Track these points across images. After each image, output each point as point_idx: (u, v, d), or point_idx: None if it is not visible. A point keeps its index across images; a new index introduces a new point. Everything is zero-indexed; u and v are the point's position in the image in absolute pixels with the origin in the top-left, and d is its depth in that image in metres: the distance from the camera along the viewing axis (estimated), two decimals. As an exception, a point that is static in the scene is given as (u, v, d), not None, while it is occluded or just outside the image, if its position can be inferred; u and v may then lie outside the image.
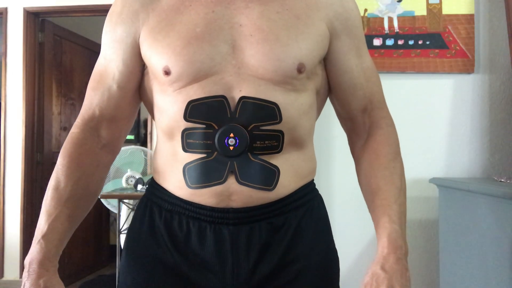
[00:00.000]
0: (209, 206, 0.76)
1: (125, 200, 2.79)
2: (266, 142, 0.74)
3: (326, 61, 0.83)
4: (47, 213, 0.75)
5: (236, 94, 0.74)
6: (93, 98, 0.83)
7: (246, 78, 0.74)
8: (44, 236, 0.73)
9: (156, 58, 0.76)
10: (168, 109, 0.77)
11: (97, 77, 0.83)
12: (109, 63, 0.82)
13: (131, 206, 2.84)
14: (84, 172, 0.80)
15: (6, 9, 3.15)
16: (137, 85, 0.84)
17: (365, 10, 2.22)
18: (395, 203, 0.75)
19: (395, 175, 0.78)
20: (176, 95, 0.76)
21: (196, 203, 0.77)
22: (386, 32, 2.21)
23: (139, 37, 0.79)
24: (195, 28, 0.75)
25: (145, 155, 3.05)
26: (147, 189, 0.87)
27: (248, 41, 0.74)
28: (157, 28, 0.77)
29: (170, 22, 0.77)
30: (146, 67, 0.82)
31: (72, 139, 0.81)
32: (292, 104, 0.76)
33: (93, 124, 0.83)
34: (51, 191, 0.77)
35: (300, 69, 0.75)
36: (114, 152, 0.87)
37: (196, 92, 0.74)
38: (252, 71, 0.74)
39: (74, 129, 0.82)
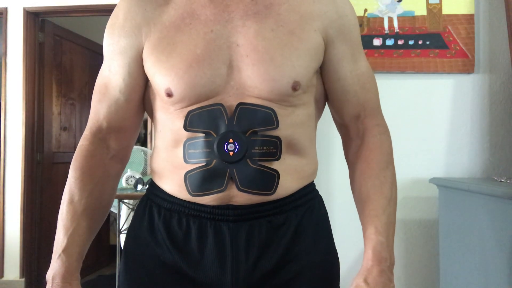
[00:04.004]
0: (210, 205, 0.77)
1: (125, 200, 2.79)
2: (264, 148, 0.75)
3: (321, 68, 0.83)
4: (65, 227, 0.76)
5: (233, 103, 0.75)
6: (100, 111, 0.83)
7: (244, 98, 0.75)
8: (65, 250, 0.75)
9: (159, 78, 0.77)
10: (170, 125, 0.78)
11: (103, 90, 0.83)
12: (115, 76, 0.82)
13: (131, 206, 2.84)
14: (96, 184, 0.81)
15: (6, 9, 3.15)
16: (142, 95, 0.84)
17: (365, 10, 2.23)
18: (383, 214, 0.76)
19: (385, 185, 0.79)
20: (178, 114, 0.77)
21: (197, 203, 0.77)
22: (386, 32, 2.21)
23: (142, 50, 0.80)
24: (195, 49, 0.76)
25: (145, 155, 3.05)
26: (147, 189, 0.88)
27: (244, 62, 0.75)
28: (159, 47, 0.78)
29: (172, 41, 0.77)
30: (150, 81, 0.82)
31: (82, 152, 0.82)
32: (289, 115, 0.77)
33: (102, 136, 0.83)
34: (66, 205, 0.78)
35: (295, 87, 0.76)
36: (124, 161, 0.88)
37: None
38: (249, 91, 0.75)
39: (83, 141, 0.83)
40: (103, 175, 0.82)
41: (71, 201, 0.78)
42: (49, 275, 0.74)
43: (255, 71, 0.75)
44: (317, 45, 0.79)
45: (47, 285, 0.74)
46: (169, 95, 0.76)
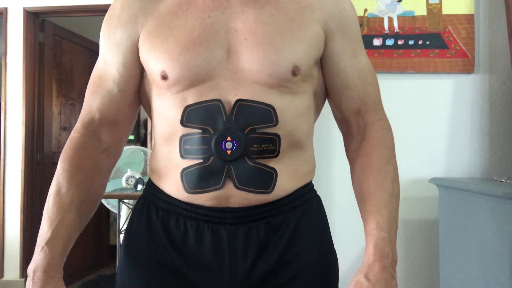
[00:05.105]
0: (207, 206, 0.76)
1: (125, 200, 2.79)
2: (263, 145, 0.74)
3: (322, 62, 0.83)
4: (50, 219, 0.74)
5: (232, 98, 0.74)
6: (93, 102, 0.82)
7: (242, 83, 0.74)
8: (48, 243, 0.72)
9: (154, 62, 0.76)
10: (166, 114, 0.77)
11: (97, 81, 0.82)
12: (109, 67, 0.81)
13: (131, 206, 2.84)
14: (85, 176, 0.79)
15: (6, 9, 3.15)
16: (137, 88, 0.84)
17: (365, 10, 2.22)
18: (385, 209, 0.75)
19: (387, 180, 0.78)
20: (173, 99, 0.76)
21: (194, 204, 0.77)
22: (386, 32, 2.21)
23: (138, 40, 0.79)
24: (192, 33, 0.75)
25: (145, 155, 3.05)
26: (144, 189, 0.87)
27: (243, 46, 0.75)
28: (155, 33, 0.77)
29: (168, 27, 0.77)
30: (145, 70, 0.82)
31: (72, 144, 0.80)
32: (288, 106, 0.76)
33: (93, 128, 0.82)
34: (53, 197, 0.76)
35: (294, 72, 0.75)
36: (115, 156, 0.86)
37: (193, 97, 0.74)
38: (247, 75, 0.74)
39: (74, 133, 0.82)
40: (93, 168, 0.80)
41: (57, 193, 0.76)
42: (30, 268, 0.70)
43: (254, 53, 0.74)
44: (317, 34, 0.79)
45: (28, 279, 0.70)
46: (164, 77, 0.75)
